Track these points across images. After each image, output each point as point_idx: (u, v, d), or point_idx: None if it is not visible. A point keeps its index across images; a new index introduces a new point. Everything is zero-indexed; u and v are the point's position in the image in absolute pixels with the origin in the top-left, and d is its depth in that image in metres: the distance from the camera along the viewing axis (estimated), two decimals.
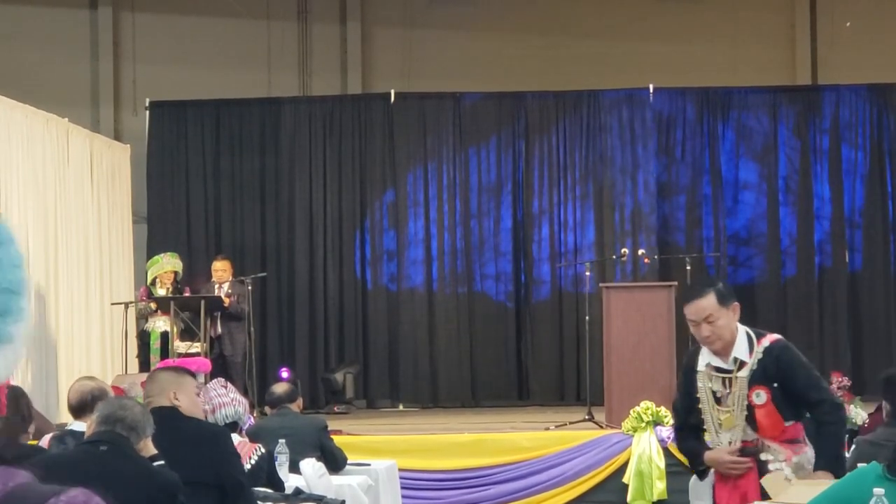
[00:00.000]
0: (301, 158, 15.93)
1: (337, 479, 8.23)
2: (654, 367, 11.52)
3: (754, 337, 5.62)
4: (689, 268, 13.13)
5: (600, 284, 12.66)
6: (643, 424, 10.87)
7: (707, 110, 15.75)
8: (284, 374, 13.38)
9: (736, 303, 5.65)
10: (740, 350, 5.60)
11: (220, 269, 13.91)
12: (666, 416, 10.88)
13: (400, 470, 10.15)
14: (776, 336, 5.70)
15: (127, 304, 13.53)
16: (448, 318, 15.71)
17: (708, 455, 5.70)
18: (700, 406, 5.68)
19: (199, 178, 16.03)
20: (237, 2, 16.77)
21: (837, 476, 5.45)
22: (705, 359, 5.67)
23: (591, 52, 16.57)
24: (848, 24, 16.34)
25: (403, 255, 15.79)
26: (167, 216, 15.96)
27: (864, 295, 15.55)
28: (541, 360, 15.63)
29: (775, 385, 5.55)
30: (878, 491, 3.43)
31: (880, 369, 8.90)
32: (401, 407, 15.51)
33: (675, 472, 10.54)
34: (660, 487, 10.68)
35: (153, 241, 15.52)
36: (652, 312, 11.73)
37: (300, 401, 9.20)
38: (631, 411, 10.95)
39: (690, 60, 16.46)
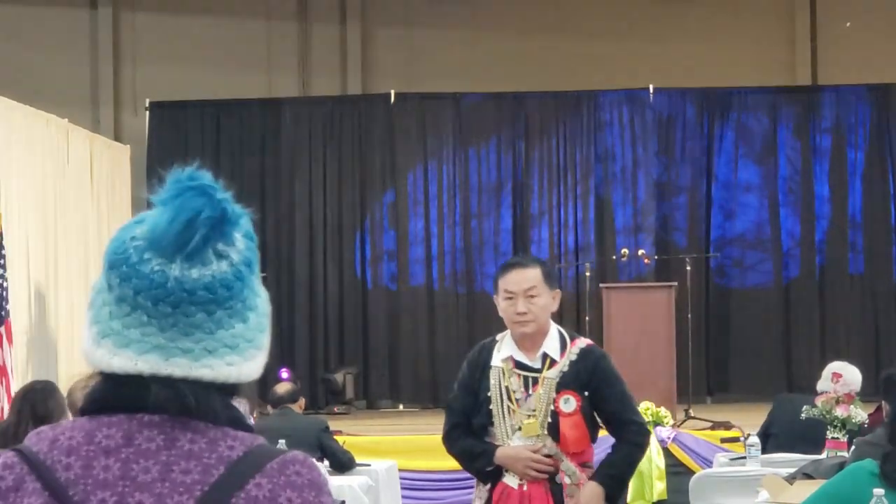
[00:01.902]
0: (301, 159, 15.92)
1: (337, 480, 8.22)
2: (654, 368, 11.52)
3: (567, 336, 4.88)
4: (689, 268, 13.11)
5: (600, 285, 12.67)
6: None
7: (707, 111, 15.75)
8: (284, 374, 13.35)
9: (559, 290, 4.96)
10: (551, 346, 4.83)
11: None
12: (666, 417, 10.88)
13: (400, 470, 10.15)
14: (590, 341, 5.01)
15: None
16: (448, 318, 15.71)
17: (502, 452, 4.80)
18: (490, 408, 4.83)
19: None
20: (237, 2, 16.76)
21: (609, 494, 4.84)
22: (506, 352, 4.84)
23: (591, 52, 16.55)
24: (848, 24, 16.33)
25: (404, 254, 15.79)
26: None
27: (866, 295, 15.53)
28: None
29: (586, 394, 4.80)
30: (878, 491, 3.43)
31: (881, 370, 8.90)
32: (401, 407, 15.50)
33: (675, 473, 10.54)
34: (659, 488, 10.67)
35: None
36: (652, 313, 11.74)
37: (302, 401, 9.21)
38: None
39: (690, 60, 16.43)
